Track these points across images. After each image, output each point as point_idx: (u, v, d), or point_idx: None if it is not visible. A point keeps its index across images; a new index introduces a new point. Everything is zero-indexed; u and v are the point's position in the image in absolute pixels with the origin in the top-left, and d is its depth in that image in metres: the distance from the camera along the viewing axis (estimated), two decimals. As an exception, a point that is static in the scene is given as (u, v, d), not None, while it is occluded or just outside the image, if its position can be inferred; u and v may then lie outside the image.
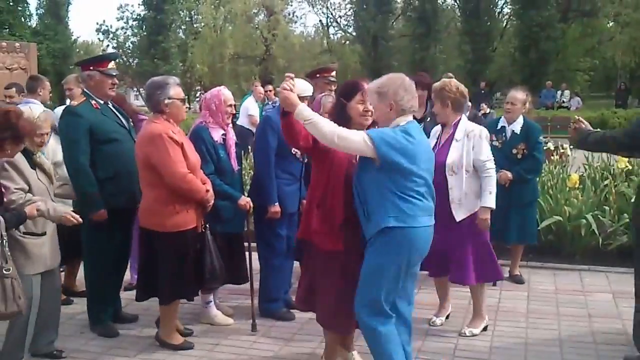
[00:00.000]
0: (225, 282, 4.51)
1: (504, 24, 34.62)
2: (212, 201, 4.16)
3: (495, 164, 5.34)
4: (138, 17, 36.05)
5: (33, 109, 4.08)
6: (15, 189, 3.58)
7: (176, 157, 3.91)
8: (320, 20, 44.59)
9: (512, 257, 5.74)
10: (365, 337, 3.43)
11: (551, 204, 6.50)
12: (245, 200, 4.48)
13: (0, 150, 3.39)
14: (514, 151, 5.40)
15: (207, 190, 4.12)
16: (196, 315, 4.75)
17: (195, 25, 37.93)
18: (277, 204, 4.53)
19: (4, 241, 3.33)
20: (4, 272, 3.30)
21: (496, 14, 33.68)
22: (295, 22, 40.66)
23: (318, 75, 5.35)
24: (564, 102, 22.00)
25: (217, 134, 4.43)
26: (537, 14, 26.86)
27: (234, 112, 4.74)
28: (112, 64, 4.52)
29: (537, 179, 6.09)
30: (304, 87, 4.65)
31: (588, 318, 4.76)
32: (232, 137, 4.56)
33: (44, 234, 3.75)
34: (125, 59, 37.77)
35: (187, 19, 38.29)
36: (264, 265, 4.74)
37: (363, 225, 3.33)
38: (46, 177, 3.82)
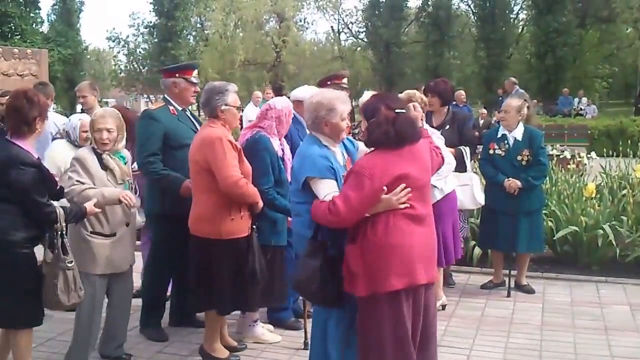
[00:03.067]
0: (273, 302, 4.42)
1: (520, 30, 34.59)
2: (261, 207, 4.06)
3: (500, 172, 5.42)
4: (149, 24, 36.43)
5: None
6: (76, 181, 3.65)
7: (232, 161, 3.82)
8: (331, 27, 44.85)
9: (518, 267, 5.71)
10: None
11: (567, 214, 6.46)
12: None
13: (34, 130, 3.50)
14: (519, 158, 5.42)
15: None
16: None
17: (205, 32, 38.20)
18: None
19: (64, 232, 3.40)
20: (67, 264, 3.40)
21: (511, 19, 33.64)
22: (307, 28, 40.84)
23: (329, 83, 5.38)
24: (581, 109, 21.85)
25: (276, 145, 4.34)
26: (553, 19, 26.80)
27: None
28: (195, 73, 4.66)
29: (543, 185, 6.11)
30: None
31: (605, 331, 4.72)
32: (288, 149, 4.50)
33: (112, 235, 3.82)
34: (135, 65, 38.10)
35: (198, 25, 38.59)
36: None
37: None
38: (116, 180, 3.84)
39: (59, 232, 3.39)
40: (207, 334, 4.20)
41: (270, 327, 4.72)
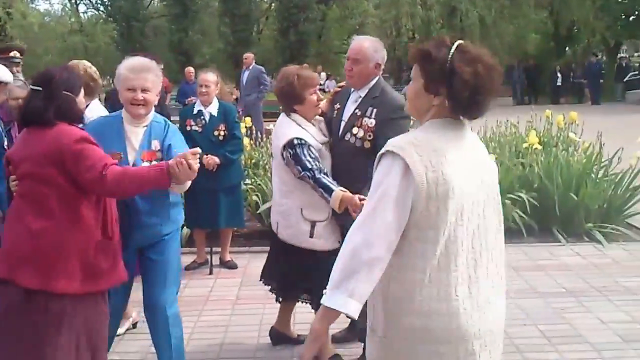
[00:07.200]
0: None
1: (268, 5, 35.74)
2: None
3: (200, 149, 5.58)
4: None
5: None
6: None
7: None
8: (67, -3, 42.05)
9: (221, 243, 5.98)
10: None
11: (270, 187, 6.83)
12: None
13: None
14: (216, 133, 5.64)
15: None
16: None
17: None
18: None
19: None
20: None
21: (257, -5, 34.55)
22: (37, -2, 37.82)
23: None
24: (321, 84, 23.33)
25: None
26: (296, -5, 28.08)
27: None
28: None
29: (242, 160, 6.46)
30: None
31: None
32: None
33: None
34: None
35: None
36: None
37: None
38: None
39: None
40: None
41: None
